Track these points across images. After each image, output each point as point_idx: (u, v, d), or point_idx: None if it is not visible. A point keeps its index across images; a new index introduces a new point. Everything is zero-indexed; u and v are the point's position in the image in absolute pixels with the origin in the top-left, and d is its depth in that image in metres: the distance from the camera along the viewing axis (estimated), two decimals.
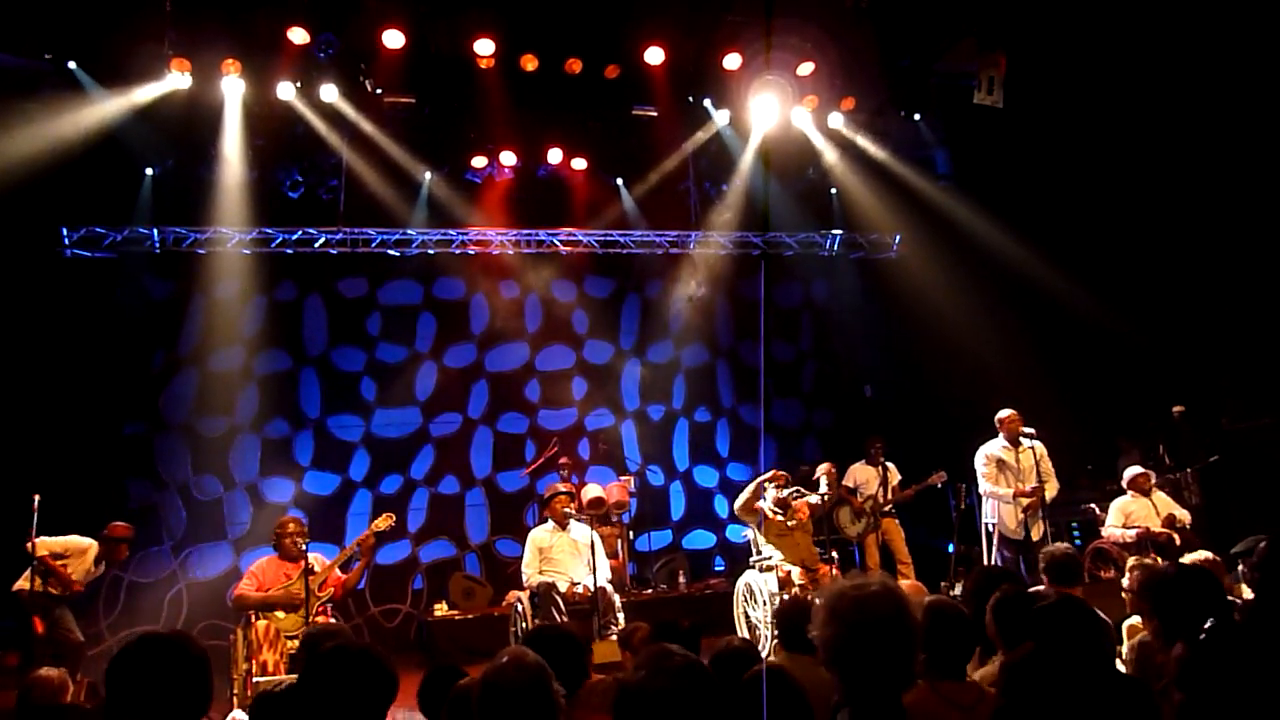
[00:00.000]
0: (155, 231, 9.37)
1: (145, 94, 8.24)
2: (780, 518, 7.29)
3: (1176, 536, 7.33)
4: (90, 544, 7.02)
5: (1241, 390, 8.92)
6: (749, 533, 7.69)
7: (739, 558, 9.04)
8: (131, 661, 2.26)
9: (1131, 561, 5.00)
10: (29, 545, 6.67)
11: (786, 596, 6.81)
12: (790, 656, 3.64)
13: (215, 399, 9.67)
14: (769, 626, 6.86)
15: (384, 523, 6.69)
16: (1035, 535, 7.40)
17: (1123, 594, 4.64)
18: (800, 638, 3.60)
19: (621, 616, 6.84)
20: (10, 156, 7.83)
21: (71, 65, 8.09)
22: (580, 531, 7.25)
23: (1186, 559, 4.77)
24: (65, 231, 9.13)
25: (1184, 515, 7.59)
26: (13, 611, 7.04)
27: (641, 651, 2.27)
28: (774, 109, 9.47)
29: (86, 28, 8.00)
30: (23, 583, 6.78)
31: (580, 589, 6.91)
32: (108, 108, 8.25)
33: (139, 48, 8.06)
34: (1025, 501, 7.40)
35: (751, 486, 7.21)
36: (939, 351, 10.13)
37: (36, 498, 6.88)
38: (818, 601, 2.24)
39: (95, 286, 9.25)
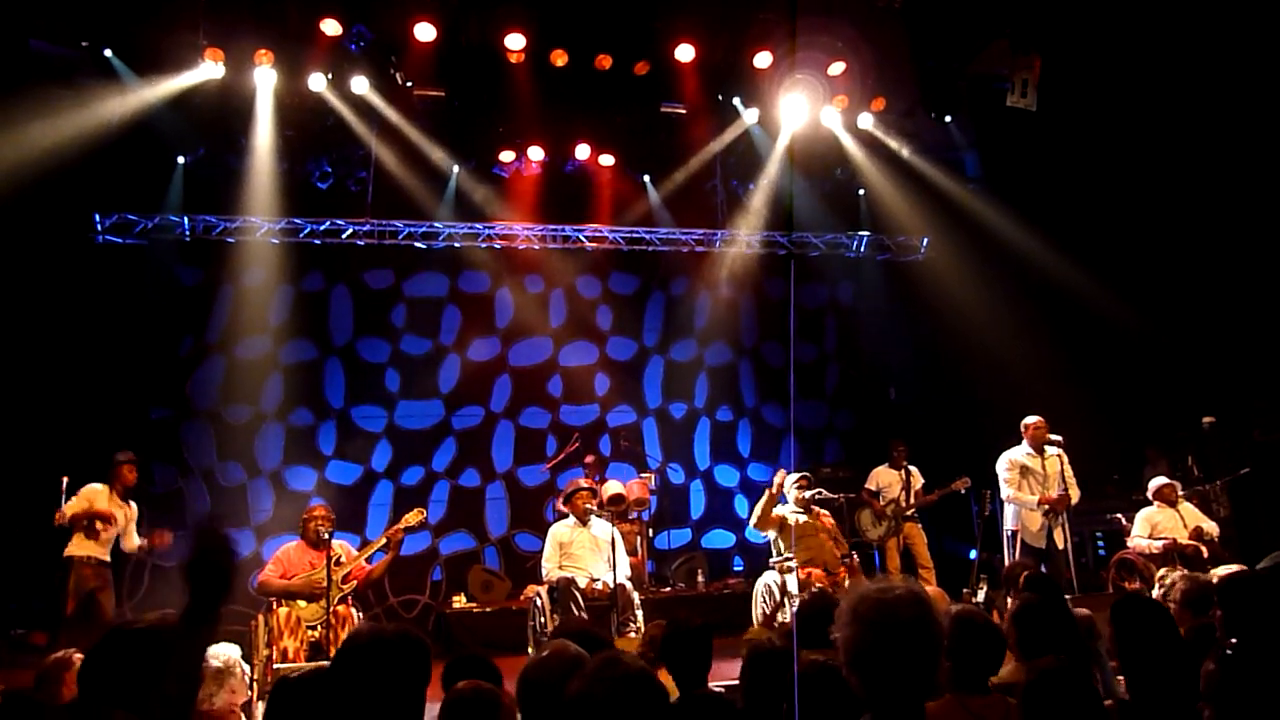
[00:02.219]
0: (186, 220, 9.47)
1: (179, 83, 8.31)
2: (804, 520, 7.25)
3: (1204, 549, 7.23)
4: (99, 488, 7.11)
5: (1274, 401, 8.77)
6: (771, 533, 7.64)
7: (758, 558, 9.01)
8: (105, 657, 2.23)
9: (1163, 573, 4.93)
10: (58, 516, 6.84)
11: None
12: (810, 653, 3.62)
13: (241, 387, 9.75)
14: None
15: (415, 517, 6.69)
16: (1059, 543, 7.33)
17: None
18: (820, 635, 3.58)
19: (640, 614, 6.83)
20: (45, 143, 7.91)
21: (107, 53, 8.17)
22: (601, 528, 7.25)
23: (1219, 572, 4.70)
24: (98, 218, 9.25)
25: (1212, 527, 7.48)
26: (42, 591, 7.16)
27: (591, 659, 2.23)
28: (803, 108, 9.41)
29: (122, 17, 8.09)
30: (74, 548, 6.92)
31: (599, 585, 6.91)
32: (142, 96, 8.33)
33: (173, 37, 8.14)
34: (1049, 509, 7.33)
35: (763, 501, 7.16)
36: (965, 355, 10.04)
37: (65, 480, 7.02)
38: (841, 603, 2.20)
39: (126, 273, 9.36)
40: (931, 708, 2.56)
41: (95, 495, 7.06)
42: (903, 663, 2.04)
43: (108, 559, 7.11)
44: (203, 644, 2.21)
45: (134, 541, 7.26)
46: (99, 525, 6.99)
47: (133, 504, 7.34)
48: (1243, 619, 3.03)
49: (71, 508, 6.89)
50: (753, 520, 7.32)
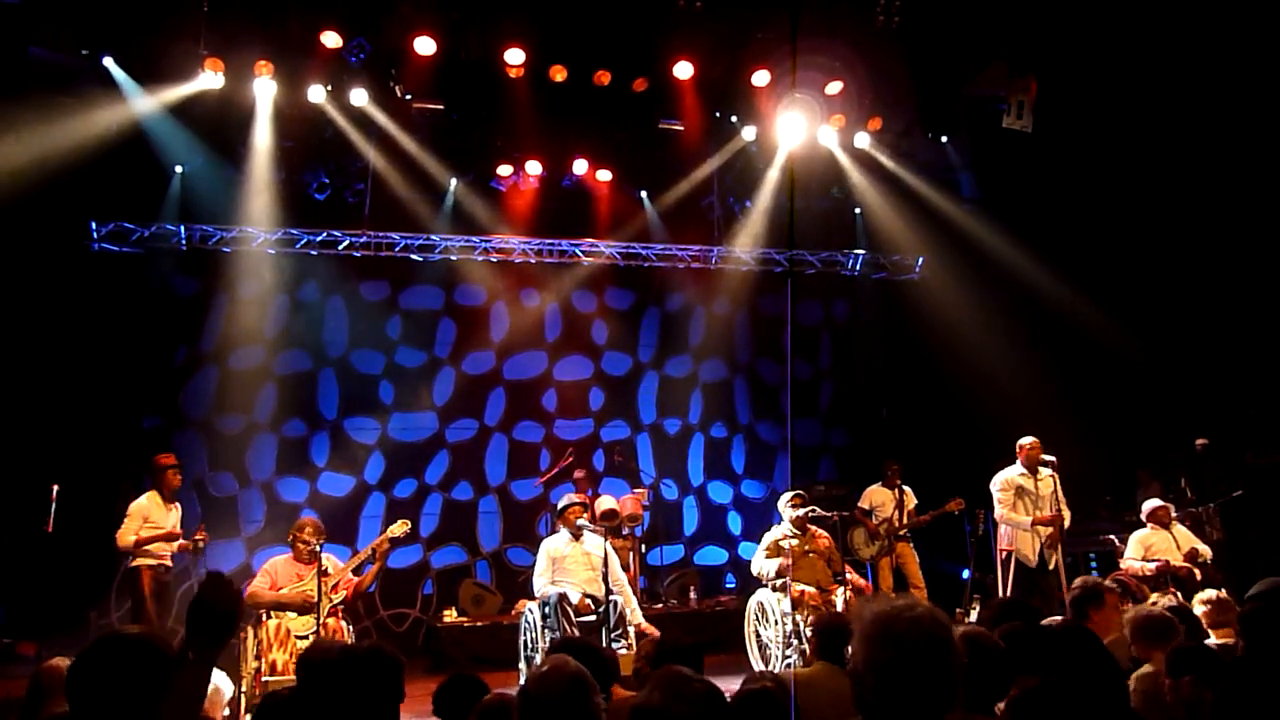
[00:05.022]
0: (182, 229, 9.45)
1: (178, 92, 8.31)
2: (795, 544, 7.23)
3: (1197, 571, 7.22)
4: (145, 502, 7.15)
5: (1267, 424, 8.80)
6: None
7: (750, 575, 9.00)
8: (91, 665, 2.19)
9: (1156, 597, 4.92)
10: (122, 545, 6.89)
11: (799, 617, 6.76)
12: (825, 666, 3.72)
13: (235, 397, 9.73)
14: (780, 646, 6.80)
15: (400, 529, 6.68)
16: (1051, 564, 7.33)
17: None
18: (835, 649, 3.61)
19: (632, 630, 6.80)
20: (44, 150, 7.92)
21: (107, 62, 8.17)
22: (593, 543, 7.22)
23: (1198, 598, 4.69)
24: (94, 226, 9.23)
25: (1205, 550, 7.48)
26: (31, 600, 7.12)
27: (655, 674, 2.22)
28: (801, 127, 9.45)
29: (123, 26, 8.09)
30: (141, 559, 7.01)
31: (590, 601, 6.87)
32: (141, 105, 8.34)
33: (174, 47, 8.15)
34: (1045, 531, 7.33)
35: (770, 566, 7.20)
36: (959, 375, 10.06)
37: (55, 488, 6.99)
38: (857, 621, 2.15)
39: (121, 281, 9.34)
40: None
41: (149, 509, 7.13)
42: (929, 681, 1.99)
43: (170, 562, 7.25)
44: (203, 678, 2.23)
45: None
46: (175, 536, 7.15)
47: (177, 504, 7.40)
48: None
49: (131, 532, 6.97)
50: (753, 568, 7.37)
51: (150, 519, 7.07)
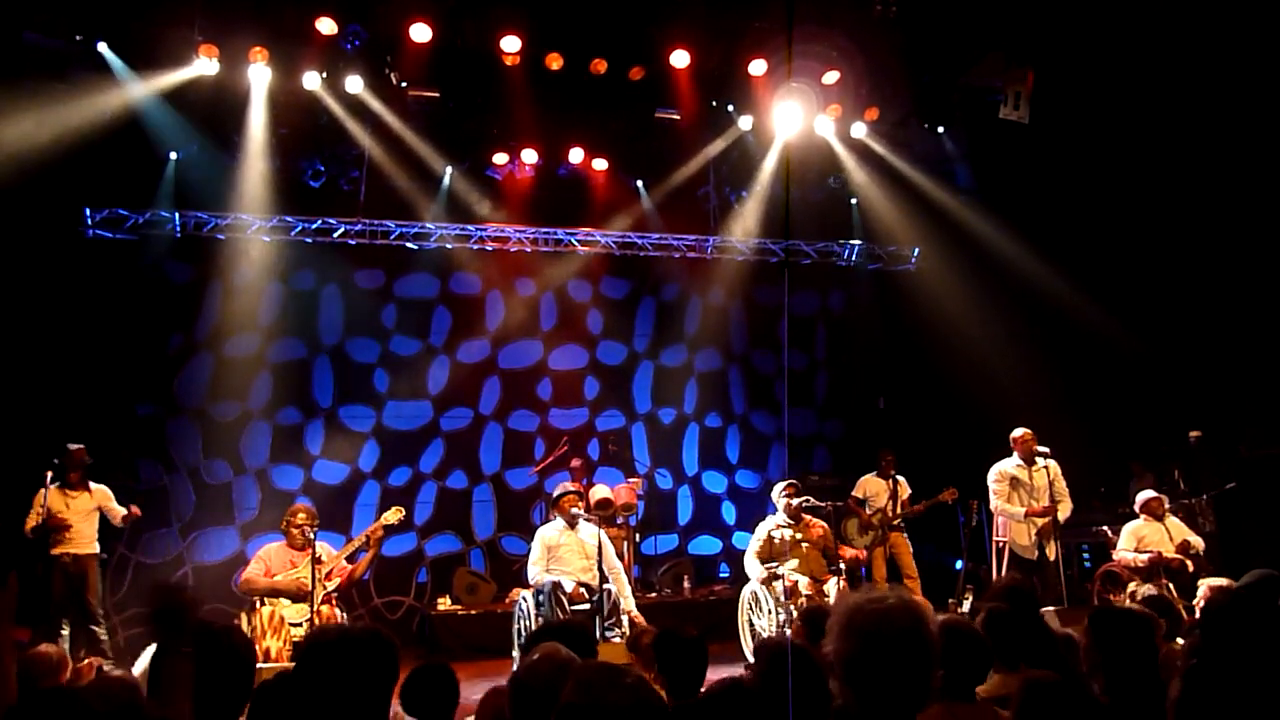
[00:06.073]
0: (177, 215, 9.44)
1: (173, 79, 8.28)
2: (789, 535, 7.25)
3: (1189, 563, 7.25)
4: (48, 489, 7.13)
5: (1261, 417, 8.83)
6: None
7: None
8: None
9: (1133, 587, 4.94)
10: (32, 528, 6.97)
11: (794, 607, 6.79)
12: None
13: (229, 384, 9.71)
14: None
15: (394, 516, 6.69)
16: (1050, 555, 7.35)
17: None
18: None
19: (626, 619, 6.81)
20: (37, 136, 7.88)
21: (101, 47, 8.13)
22: (588, 532, 7.23)
23: (1205, 583, 4.72)
24: (88, 212, 9.21)
25: (1198, 542, 7.51)
26: (23, 586, 7.11)
27: (575, 670, 2.21)
28: (797, 117, 9.43)
29: (117, 11, 8.06)
30: (54, 548, 7.07)
31: (584, 590, 6.89)
32: (135, 91, 8.30)
33: (169, 33, 8.11)
34: (1039, 521, 7.35)
35: (758, 571, 7.23)
36: (954, 366, 10.07)
37: (49, 474, 6.99)
38: (831, 615, 2.17)
39: (115, 268, 9.31)
40: (920, 718, 2.54)
41: (40, 498, 7.11)
42: (896, 674, 2.00)
43: (88, 550, 7.22)
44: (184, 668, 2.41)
45: (118, 513, 7.39)
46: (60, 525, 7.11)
47: (92, 486, 7.39)
48: (1223, 640, 3.03)
49: (30, 520, 7.01)
50: (747, 557, 7.41)
51: (49, 506, 7.05)
